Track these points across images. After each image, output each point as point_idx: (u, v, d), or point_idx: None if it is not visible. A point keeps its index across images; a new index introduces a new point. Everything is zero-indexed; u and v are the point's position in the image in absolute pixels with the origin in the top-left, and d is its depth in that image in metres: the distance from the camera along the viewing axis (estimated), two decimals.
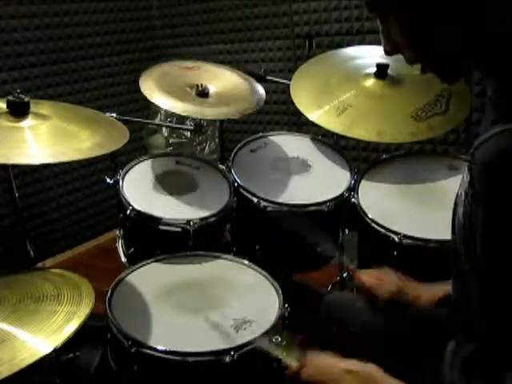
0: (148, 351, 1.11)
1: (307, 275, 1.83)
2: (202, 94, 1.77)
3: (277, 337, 1.15)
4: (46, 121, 1.42)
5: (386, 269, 1.24)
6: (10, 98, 1.39)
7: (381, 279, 1.22)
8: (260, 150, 1.84)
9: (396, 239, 1.41)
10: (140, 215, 1.53)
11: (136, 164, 1.74)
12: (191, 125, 1.94)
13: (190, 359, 1.10)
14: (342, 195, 1.63)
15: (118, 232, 1.71)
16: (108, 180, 1.66)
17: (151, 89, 1.69)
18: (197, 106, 1.71)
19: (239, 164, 1.76)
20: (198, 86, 1.78)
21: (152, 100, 1.65)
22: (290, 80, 1.86)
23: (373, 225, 1.48)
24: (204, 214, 1.56)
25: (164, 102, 1.67)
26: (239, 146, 1.85)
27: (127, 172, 1.69)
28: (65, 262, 2.74)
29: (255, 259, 1.47)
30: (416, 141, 1.64)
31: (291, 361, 1.00)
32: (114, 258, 1.69)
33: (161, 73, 1.82)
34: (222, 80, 1.88)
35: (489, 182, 0.64)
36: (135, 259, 1.52)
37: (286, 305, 1.26)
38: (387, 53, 0.79)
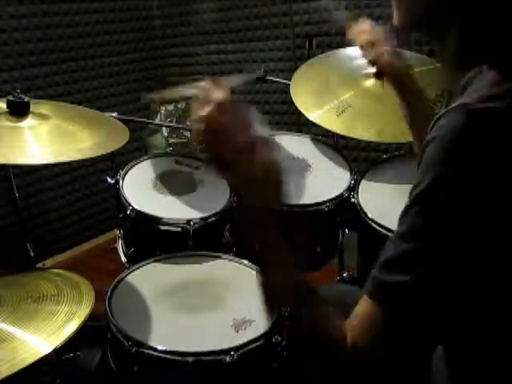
0: (148, 351, 1.11)
1: (307, 275, 1.83)
2: None
3: (277, 337, 1.15)
4: (45, 121, 1.42)
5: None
6: (10, 97, 1.39)
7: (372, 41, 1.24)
8: None
9: None
10: (140, 215, 1.53)
11: (136, 164, 1.74)
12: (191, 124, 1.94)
13: (190, 359, 1.10)
14: (341, 195, 1.63)
15: (117, 232, 1.71)
16: (108, 180, 1.66)
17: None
18: None
19: None
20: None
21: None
22: (289, 80, 1.86)
23: (373, 225, 1.48)
24: (204, 214, 1.56)
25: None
26: None
27: (127, 172, 1.68)
28: (65, 261, 2.74)
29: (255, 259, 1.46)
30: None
31: None
32: (114, 257, 1.69)
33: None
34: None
35: (439, 154, 0.64)
36: (135, 259, 1.52)
37: None
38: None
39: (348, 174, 1.72)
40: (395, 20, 0.80)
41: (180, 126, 2.31)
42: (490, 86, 0.65)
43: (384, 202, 1.56)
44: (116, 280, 1.35)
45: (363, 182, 1.65)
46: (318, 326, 0.76)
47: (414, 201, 0.69)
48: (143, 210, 1.53)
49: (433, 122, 0.68)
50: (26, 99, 1.41)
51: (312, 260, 1.73)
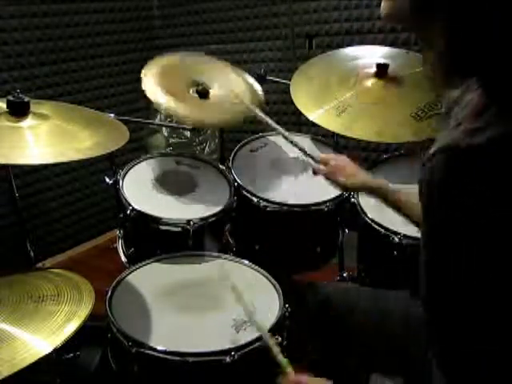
0: (148, 351, 1.11)
1: (307, 275, 1.83)
2: (203, 94, 1.76)
3: (277, 337, 1.15)
4: (45, 121, 1.41)
5: (343, 157, 1.35)
6: (10, 97, 1.39)
7: (339, 167, 1.32)
8: (260, 150, 1.84)
9: (396, 239, 1.41)
10: (140, 215, 1.53)
11: (136, 164, 1.74)
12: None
13: (190, 359, 1.10)
14: (341, 195, 1.63)
15: (118, 232, 1.71)
16: (108, 180, 1.66)
17: (153, 86, 1.67)
18: (196, 111, 1.69)
19: (239, 164, 1.76)
20: (198, 84, 1.76)
21: (153, 100, 1.64)
22: (289, 80, 1.86)
23: (373, 225, 1.48)
24: (204, 214, 1.56)
25: (165, 101, 1.65)
26: (239, 145, 1.84)
27: (127, 172, 1.69)
28: (65, 261, 2.74)
29: (255, 259, 1.47)
30: (416, 141, 1.64)
31: (288, 367, 1.01)
32: (114, 257, 1.69)
33: (163, 66, 1.78)
34: (223, 80, 1.86)
35: (428, 201, 0.68)
36: (135, 259, 1.52)
37: (287, 305, 1.26)
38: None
39: None
40: (382, 10, 0.80)
41: (180, 126, 2.31)
42: (473, 117, 0.67)
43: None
44: (116, 280, 1.35)
45: None
46: None
47: (421, 240, 0.73)
48: (143, 210, 1.53)
49: (423, 160, 0.70)
50: (26, 99, 1.40)
51: (312, 260, 1.73)
